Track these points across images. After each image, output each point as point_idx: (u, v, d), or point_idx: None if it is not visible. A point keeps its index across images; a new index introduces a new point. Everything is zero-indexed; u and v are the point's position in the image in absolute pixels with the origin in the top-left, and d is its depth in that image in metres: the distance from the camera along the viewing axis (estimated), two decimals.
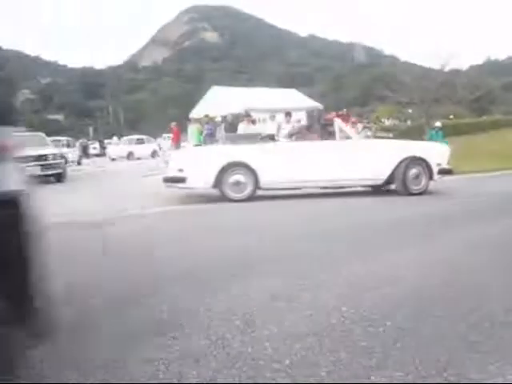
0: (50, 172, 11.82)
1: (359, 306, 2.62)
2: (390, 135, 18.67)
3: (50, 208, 5.19)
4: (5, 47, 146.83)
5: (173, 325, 2.45)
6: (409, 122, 25.28)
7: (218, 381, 1.87)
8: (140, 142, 28.79)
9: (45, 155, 11.69)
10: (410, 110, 26.01)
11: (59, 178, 12.29)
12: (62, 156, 13.01)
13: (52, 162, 11.88)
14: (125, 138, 31.61)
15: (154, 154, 26.28)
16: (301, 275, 3.23)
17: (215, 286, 3.04)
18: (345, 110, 32.39)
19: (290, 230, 5.17)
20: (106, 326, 2.47)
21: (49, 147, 12.87)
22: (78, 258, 3.96)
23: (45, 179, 11.53)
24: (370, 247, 4.12)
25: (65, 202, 8.03)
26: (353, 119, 14.38)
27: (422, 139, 14.53)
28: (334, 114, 26.55)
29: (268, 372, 1.93)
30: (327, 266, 3.46)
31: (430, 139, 14.59)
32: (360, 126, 14.55)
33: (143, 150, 27.29)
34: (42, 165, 11.37)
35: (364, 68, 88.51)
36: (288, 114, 12.23)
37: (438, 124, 17.17)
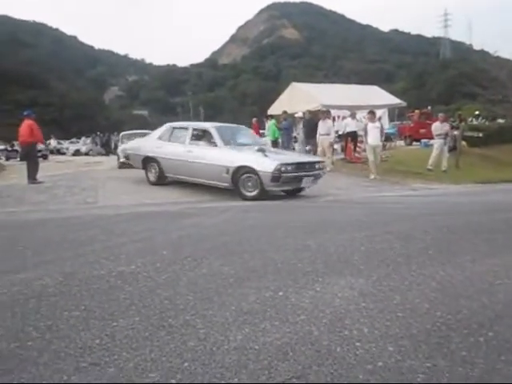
0: None
1: (455, 313, 2.46)
2: (480, 135, 17.46)
3: None
4: (96, 47, 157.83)
5: (261, 315, 2.46)
6: (500, 121, 23.38)
7: (309, 377, 1.84)
8: None
9: None
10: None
11: None
12: None
13: None
14: None
15: None
16: (388, 276, 3.10)
17: (301, 282, 3.01)
18: (429, 107, 30.83)
19: (374, 228, 4.98)
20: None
21: None
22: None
23: None
24: (467, 251, 3.85)
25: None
26: (441, 117, 13.57)
27: None
28: (417, 112, 25.38)
29: (360, 373, 1.86)
30: (417, 268, 3.29)
31: None
32: (447, 125, 13.74)
33: None
34: None
35: (451, 63, 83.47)
36: (372, 113, 11.83)
37: None
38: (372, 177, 11.33)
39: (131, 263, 3.52)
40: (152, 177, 9.73)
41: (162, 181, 9.46)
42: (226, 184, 8.29)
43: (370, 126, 11.33)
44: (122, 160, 10.18)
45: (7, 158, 22.66)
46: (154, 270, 3.34)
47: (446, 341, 2.13)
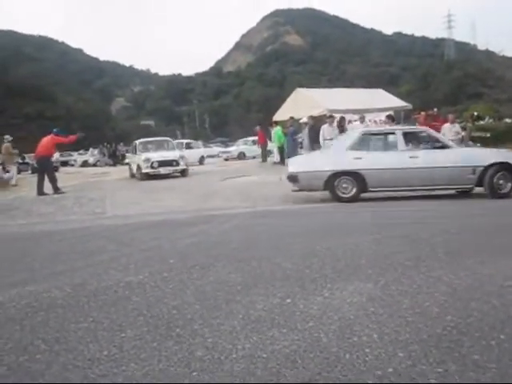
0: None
1: (466, 316, 2.42)
2: (488, 135, 17.32)
3: None
4: (101, 59, 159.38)
5: (269, 322, 2.44)
6: (508, 120, 23.21)
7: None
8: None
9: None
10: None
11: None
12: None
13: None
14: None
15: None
16: (397, 280, 3.07)
17: (309, 289, 2.99)
18: (435, 109, 30.69)
19: (382, 231, 4.94)
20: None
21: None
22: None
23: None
24: (475, 252, 3.80)
25: None
26: (450, 118, 13.44)
27: None
28: (423, 113, 25.26)
29: (370, 379, 1.84)
30: (426, 271, 3.25)
31: None
32: (457, 125, 13.60)
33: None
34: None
35: (455, 64, 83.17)
36: (390, 117, 12.00)
37: None
38: None
39: (139, 273, 3.53)
40: (345, 193, 7.92)
41: (358, 196, 7.95)
42: (468, 185, 8.04)
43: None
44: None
45: (19, 171, 22.80)
46: (161, 280, 3.34)
47: (457, 345, 2.10)
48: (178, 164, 14.83)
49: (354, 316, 2.49)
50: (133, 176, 15.78)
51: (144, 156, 14.76)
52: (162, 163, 14.58)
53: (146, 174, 14.40)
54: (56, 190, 11.33)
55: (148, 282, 3.31)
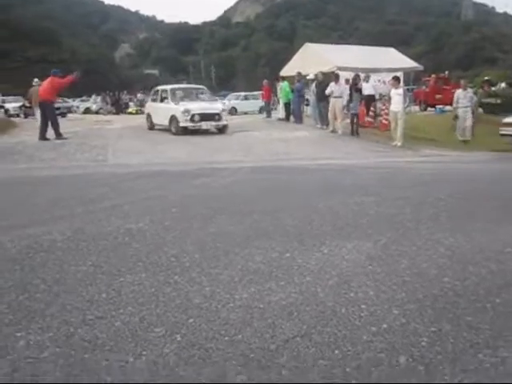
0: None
1: (463, 279, 2.43)
2: (498, 101, 16.95)
3: None
4: (106, 2, 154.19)
5: (267, 275, 2.46)
6: None
7: (313, 336, 1.85)
8: None
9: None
10: None
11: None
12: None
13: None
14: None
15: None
16: (396, 240, 3.07)
17: (309, 245, 3.00)
18: (446, 72, 29.94)
19: (384, 193, 4.90)
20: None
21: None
22: None
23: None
24: (478, 218, 3.78)
25: None
26: (463, 83, 13.06)
27: None
28: (433, 76, 24.66)
29: (364, 334, 1.86)
30: (426, 234, 3.25)
31: None
32: (471, 91, 13.25)
33: None
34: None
35: (472, 26, 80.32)
36: (396, 79, 11.42)
37: None
38: (394, 143, 11.12)
39: (140, 221, 3.54)
40: None
41: None
42: None
43: (393, 91, 11.01)
44: None
45: (26, 115, 22.38)
46: (162, 228, 3.35)
47: (453, 306, 2.12)
48: (220, 118, 12.74)
49: (351, 273, 2.50)
50: (152, 127, 14.08)
51: (183, 107, 12.49)
52: (204, 117, 12.46)
53: (185, 128, 12.26)
54: (58, 135, 11.23)
55: (148, 229, 3.32)
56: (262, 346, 1.77)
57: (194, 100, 13.60)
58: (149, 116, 14.43)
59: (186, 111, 12.27)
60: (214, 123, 12.70)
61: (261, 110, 23.57)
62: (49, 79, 11.42)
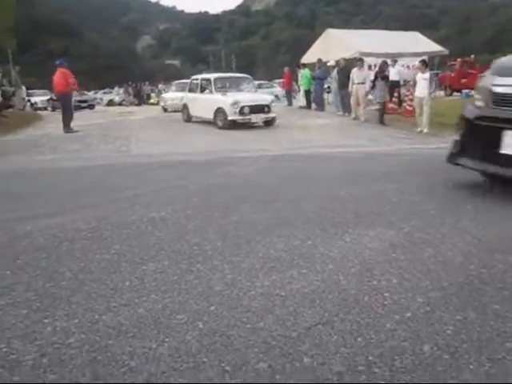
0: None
1: (490, 267, 2.37)
2: None
3: None
4: None
5: (289, 263, 2.45)
6: None
7: (335, 324, 1.83)
8: None
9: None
10: None
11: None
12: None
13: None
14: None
15: None
16: (420, 228, 3.02)
17: (331, 233, 2.97)
18: (472, 56, 29.09)
19: (407, 180, 4.82)
20: None
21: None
22: None
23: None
24: (504, 206, 3.68)
25: None
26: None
27: None
28: (459, 60, 24.00)
29: (388, 322, 1.84)
30: (451, 222, 3.17)
31: None
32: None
33: None
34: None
35: (499, 7, 77.58)
36: (423, 62, 11.07)
37: None
38: (418, 130, 10.86)
39: (162, 210, 3.57)
40: None
41: None
42: None
43: (419, 76, 10.69)
44: None
45: (53, 109, 22.48)
46: (184, 217, 3.37)
47: (479, 294, 2.07)
48: (269, 110, 11.78)
49: (374, 261, 2.47)
50: (189, 120, 13.30)
51: (231, 98, 11.41)
52: (254, 109, 11.44)
53: (233, 121, 11.28)
54: (66, 127, 11.17)
55: (171, 218, 3.35)
56: (283, 333, 1.77)
57: (240, 91, 12.44)
58: (185, 108, 13.50)
59: (235, 103, 11.25)
60: (263, 115, 11.71)
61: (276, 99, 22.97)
62: (58, 71, 11.28)
